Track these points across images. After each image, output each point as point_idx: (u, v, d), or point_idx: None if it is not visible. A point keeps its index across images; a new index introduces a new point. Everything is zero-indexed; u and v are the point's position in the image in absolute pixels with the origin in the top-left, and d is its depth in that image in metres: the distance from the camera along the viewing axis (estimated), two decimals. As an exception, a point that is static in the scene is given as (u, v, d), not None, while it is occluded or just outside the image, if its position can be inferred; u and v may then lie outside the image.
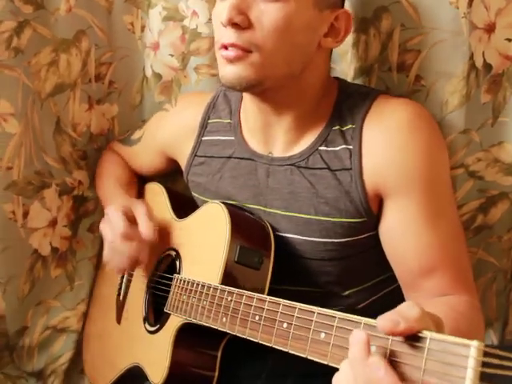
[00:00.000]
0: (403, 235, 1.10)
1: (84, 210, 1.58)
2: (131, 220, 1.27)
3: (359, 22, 1.25)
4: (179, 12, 1.41)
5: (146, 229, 1.25)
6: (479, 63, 1.25)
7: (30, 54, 1.39)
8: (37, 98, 1.42)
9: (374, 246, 1.16)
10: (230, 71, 1.09)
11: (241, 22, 1.05)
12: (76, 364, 1.60)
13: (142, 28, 1.50)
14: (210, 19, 1.38)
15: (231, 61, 1.08)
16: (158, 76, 1.49)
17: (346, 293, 1.22)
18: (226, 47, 1.08)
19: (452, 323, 0.90)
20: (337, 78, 1.24)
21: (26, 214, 1.44)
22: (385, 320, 0.71)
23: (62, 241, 1.53)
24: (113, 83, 1.54)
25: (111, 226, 1.27)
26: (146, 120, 1.49)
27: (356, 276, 1.22)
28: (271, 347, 0.95)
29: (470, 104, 1.26)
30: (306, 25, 1.09)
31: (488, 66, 1.26)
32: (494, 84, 1.27)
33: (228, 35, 1.07)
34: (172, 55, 1.45)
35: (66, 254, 1.55)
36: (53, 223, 1.50)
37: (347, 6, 1.20)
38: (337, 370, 0.77)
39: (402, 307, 0.73)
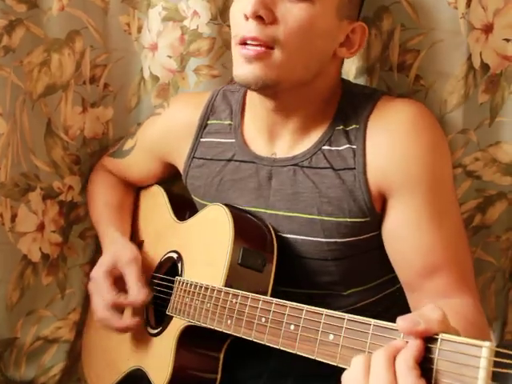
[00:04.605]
0: (407, 234, 1.10)
1: (75, 216, 1.55)
2: (119, 276, 1.26)
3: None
4: (179, 12, 1.40)
5: (135, 296, 1.23)
6: (477, 63, 1.25)
7: (23, 54, 1.37)
8: (28, 99, 1.40)
9: (378, 246, 1.15)
10: (247, 70, 1.08)
11: (265, 16, 1.05)
12: (71, 374, 1.59)
13: (139, 29, 1.48)
14: (211, 19, 1.37)
15: (250, 60, 1.07)
16: (156, 78, 1.47)
17: (347, 292, 1.22)
18: (245, 43, 1.07)
19: (463, 334, 0.90)
20: (341, 79, 1.24)
21: (13, 218, 1.42)
22: (405, 320, 0.72)
23: (53, 247, 1.51)
24: (108, 86, 1.51)
25: (99, 294, 1.26)
26: (141, 124, 1.46)
27: (358, 276, 1.22)
28: (272, 348, 0.95)
29: (468, 104, 1.27)
30: (327, 31, 1.09)
31: (485, 67, 1.26)
32: (492, 84, 1.27)
33: (249, 28, 1.06)
34: (170, 56, 1.43)
35: (57, 261, 1.53)
36: (41, 228, 1.47)
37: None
38: (337, 369, 0.78)
39: (423, 309, 0.73)
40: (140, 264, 1.27)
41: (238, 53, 1.10)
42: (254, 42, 1.06)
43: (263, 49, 1.06)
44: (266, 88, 1.10)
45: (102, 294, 1.25)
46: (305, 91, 1.14)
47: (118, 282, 1.26)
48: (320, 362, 0.85)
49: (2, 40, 1.33)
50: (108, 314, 1.24)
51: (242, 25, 1.08)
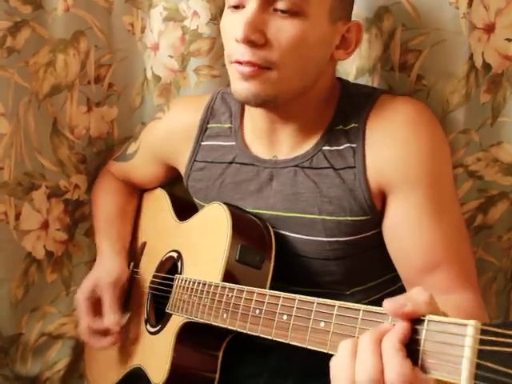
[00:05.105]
0: (407, 231, 1.10)
1: (80, 214, 1.56)
2: (98, 300, 1.32)
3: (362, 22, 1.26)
4: (180, 12, 1.40)
5: (107, 321, 1.29)
6: (478, 63, 1.25)
7: (28, 54, 1.39)
8: (34, 99, 1.41)
9: (379, 244, 1.15)
10: (244, 88, 1.07)
11: (257, 40, 1.03)
12: (74, 370, 1.59)
13: (142, 29, 1.49)
14: (211, 19, 1.38)
15: (246, 78, 1.06)
16: (158, 78, 1.48)
17: (350, 292, 1.22)
18: (240, 63, 1.06)
19: None
20: (339, 79, 1.24)
21: (18, 216, 1.44)
22: (391, 302, 0.72)
23: (57, 244, 1.52)
24: (112, 85, 1.53)
25: (80, 318, 1.33)
26: (144, 125, 1.47)
27: (360, 275, 1.22)
28: (272, 347, 0.95)
29: (470, 104, 1.27)
30: (321, 39, 1.08)
31: (487, 66, 1.26)
32: (494, 84, 1.27)
33: (242, 52, 1.05)
34: (171, 56, 1.44)
35: (61, 259, 1.54)
36: (45, 226, 1.49)
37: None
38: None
39: (411, 292, 0.73)
40: (119, 287, 1.33)
41: (234, 69, 1.08)
42: (248, 65, 1.05)
43: (258, 68, 1.05)
44: (264, 103, 1.10)
45: (81, 318, 1.32)
46: (303, 97, 1.13)
47: (99, 304, 1.32)
48: (320, 361, 0.84)
49: (6, 41, 1.34)
50: (87, 335, 1.32)
51: (234, 47, 1.07)
